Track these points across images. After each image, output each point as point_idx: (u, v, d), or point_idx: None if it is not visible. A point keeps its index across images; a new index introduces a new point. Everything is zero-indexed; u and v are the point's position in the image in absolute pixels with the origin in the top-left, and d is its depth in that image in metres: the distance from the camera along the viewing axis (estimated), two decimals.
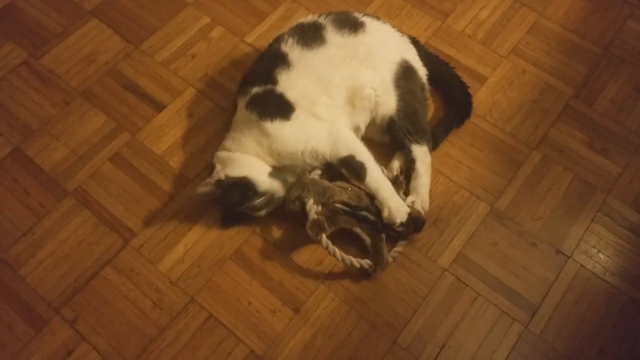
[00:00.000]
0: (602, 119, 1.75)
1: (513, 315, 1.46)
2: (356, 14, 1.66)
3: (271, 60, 1.58)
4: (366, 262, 1.46)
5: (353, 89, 1.56)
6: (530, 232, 1.57)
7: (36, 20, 1.94)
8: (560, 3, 1.98)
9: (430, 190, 1.59)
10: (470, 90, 1.74)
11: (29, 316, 1.46)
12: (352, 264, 1.45)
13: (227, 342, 1.43)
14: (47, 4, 1.97)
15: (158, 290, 1.49)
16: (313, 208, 1.46)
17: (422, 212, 1.52)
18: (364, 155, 1.50)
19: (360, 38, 1.60)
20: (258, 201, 1.48)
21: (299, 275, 1.51)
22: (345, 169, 1.51)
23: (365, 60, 1.58)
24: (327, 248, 1.44)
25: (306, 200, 1.46)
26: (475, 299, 1.48)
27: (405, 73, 1.62)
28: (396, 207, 1.46)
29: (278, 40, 1.63)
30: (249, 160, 1.50)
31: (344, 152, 1.50)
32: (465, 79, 1.76)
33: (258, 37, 1.90)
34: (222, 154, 1.53)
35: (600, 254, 1.55)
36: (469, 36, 1.91)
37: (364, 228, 1.49)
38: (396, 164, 1.61)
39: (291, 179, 1.52)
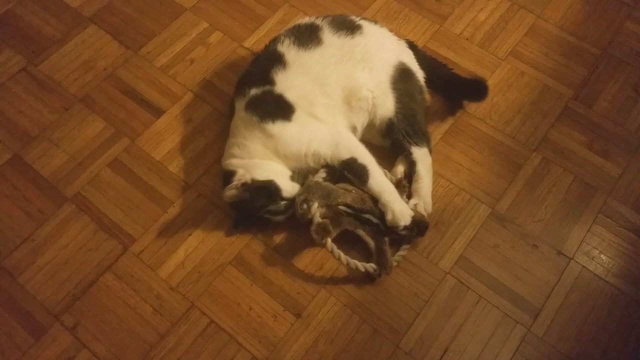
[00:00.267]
0: (602, 120, 1.75)
1: (515, 317, 1.46)
2: (353, 17, 1.67)
3: (267, 61, 1.58)
4: (371, 266, 1.45)
5: (350, 89, 1.56)
6: (532, 234, 1.57)
7: (35, 26, 1.93)
8: (558, 5, 1.98)
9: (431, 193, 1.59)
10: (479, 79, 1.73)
11: (28, 323, 1.45)
12: (357, 268, 1.45)
13: (229, 348, 1.42)
14: (45, 11, 1.97)
15: (158, 296, 1.48)
16: (317, 212, 1.45)
17: (425, 215, 1.52)
18: (366, 158, 1.50)
19: (357, 40, 1.60)
20: (280, 204, 1.47)
21: (300, 280, 1.50)
22: (347, 172, 1.51)
23: (362, 61, 1.58)
24: (332, 252, 1.44)
25: (311, 203, 1.46)
26: (477, 302, 1.47)
27: (402, 75, 1.62)
28: (400, 210, 1.45)
29: (274, 41, 1.63)
30: (269, 164, 1.50)
31: (346, 155, 1.49)
32: None
33: (256, 41, 1.90)
34: (236, 161, 1.51)
35: (602, 255, 1.55)
36: (467, 39, 1.91)
37: (368, 231, 1.49)
38: (400, 169, 1.61)
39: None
